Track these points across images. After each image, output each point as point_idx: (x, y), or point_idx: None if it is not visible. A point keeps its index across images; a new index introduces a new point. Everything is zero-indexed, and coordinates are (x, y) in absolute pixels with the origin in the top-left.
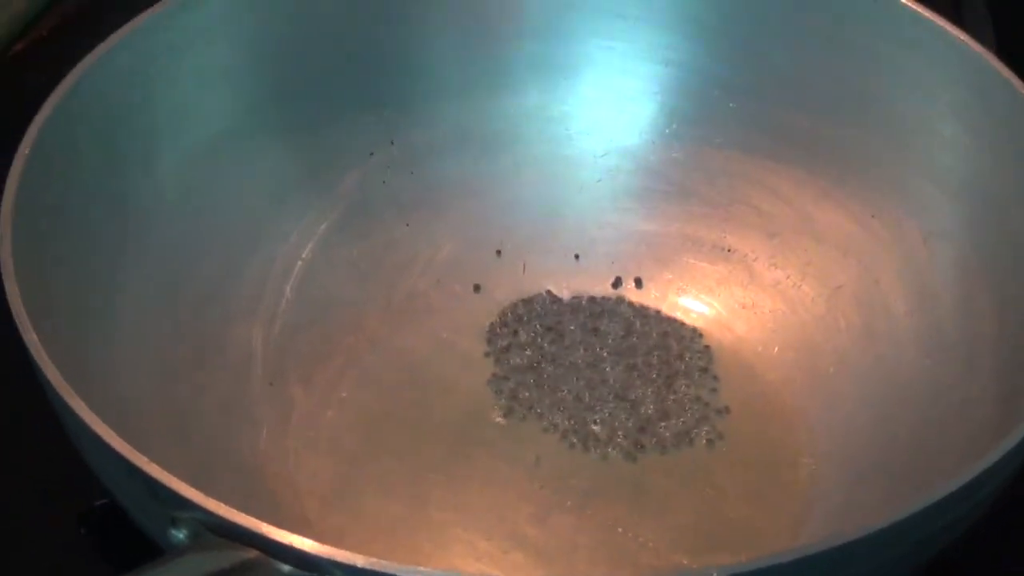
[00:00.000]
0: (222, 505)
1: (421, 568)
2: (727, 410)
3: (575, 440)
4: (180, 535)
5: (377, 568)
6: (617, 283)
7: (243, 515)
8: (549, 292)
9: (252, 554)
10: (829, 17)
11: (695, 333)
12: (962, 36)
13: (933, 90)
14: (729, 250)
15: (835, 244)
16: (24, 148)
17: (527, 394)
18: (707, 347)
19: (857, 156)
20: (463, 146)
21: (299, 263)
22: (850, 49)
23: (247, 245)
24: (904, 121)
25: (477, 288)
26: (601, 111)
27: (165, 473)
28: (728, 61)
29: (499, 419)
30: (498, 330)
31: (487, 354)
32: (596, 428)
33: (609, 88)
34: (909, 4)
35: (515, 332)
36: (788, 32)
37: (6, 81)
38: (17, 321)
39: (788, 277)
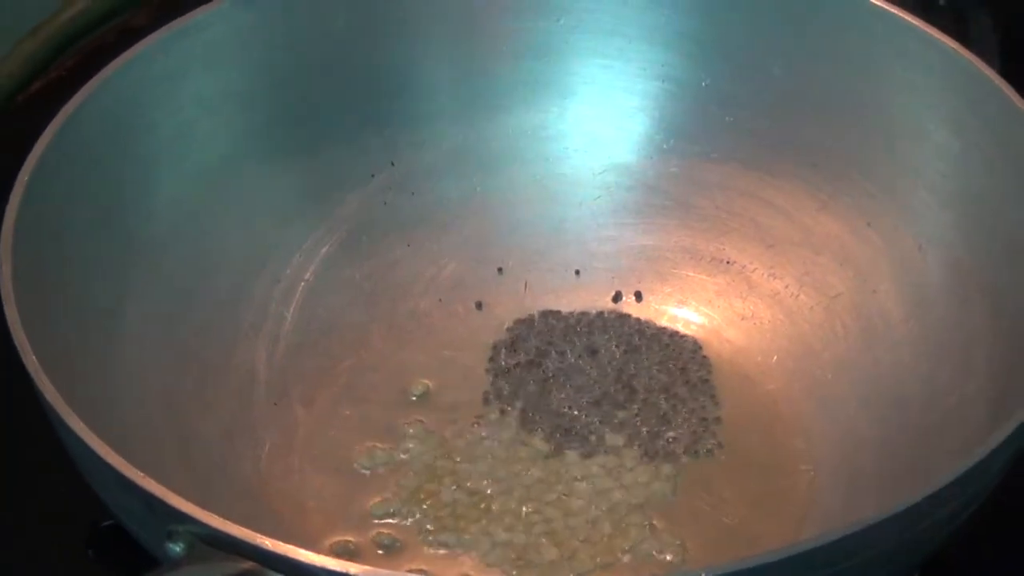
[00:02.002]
0: (215, 516)
1: None
2: (727, 419)
3: (578, 453)
4: (176, 548)
5: None
6: (617, 297)
7: (236, 526)
8: (551, 308)
9: (247, 565)
10: (822, 30)
11: (695, 344)
12: (953, 45)
13: (926, 99)
14: (728, 262)
15: (832, 254)
16: (23, 175)
17: (530, 410)
18: (707, 358)
19: (852, 166)
20: (463, 166)
21: (302, 284)
22: (844, 61)
23: (250, 267)
24: (897, 130)
25: (479, 306)
26: (598, 129)
27: (159, 486)
28: (724, 76)
29: (502, 436)
30: (500, 347)
31: (489, 371)
32: (599, 441)
33: (606, 106)
34: (902, 15)
35: (517, 349)
36: (783, 46)
37: (21, 121)
38: (17, 344)
39: (786, 287)
